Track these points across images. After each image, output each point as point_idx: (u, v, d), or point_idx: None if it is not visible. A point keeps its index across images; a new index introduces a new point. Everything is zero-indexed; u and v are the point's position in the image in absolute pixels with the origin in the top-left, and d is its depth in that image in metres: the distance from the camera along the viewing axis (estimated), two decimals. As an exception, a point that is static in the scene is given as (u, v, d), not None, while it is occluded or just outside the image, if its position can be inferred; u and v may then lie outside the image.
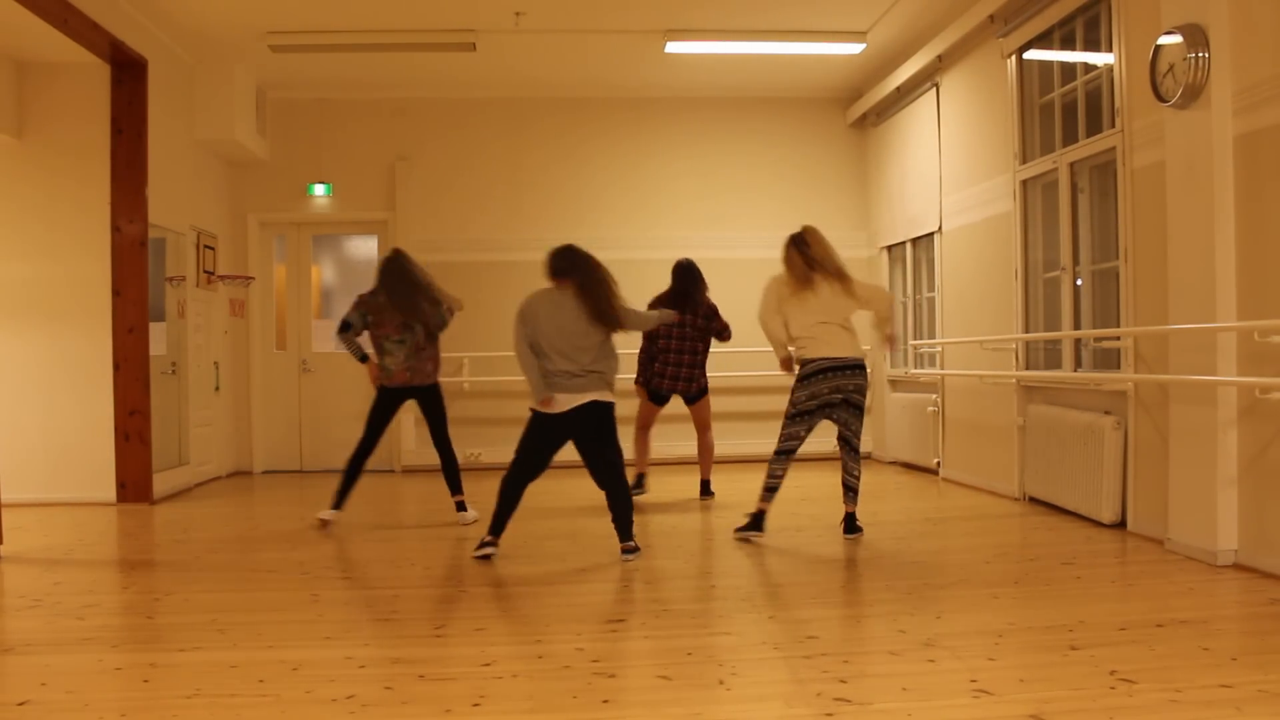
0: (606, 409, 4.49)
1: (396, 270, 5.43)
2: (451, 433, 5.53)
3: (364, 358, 5.48)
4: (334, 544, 5.06)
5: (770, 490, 4.90)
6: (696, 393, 6.26)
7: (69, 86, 6.56)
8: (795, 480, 6.41)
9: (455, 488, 5.60)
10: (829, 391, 4.77)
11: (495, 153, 8.59)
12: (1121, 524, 4.99)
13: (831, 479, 7.14)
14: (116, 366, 6.51)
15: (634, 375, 6.29)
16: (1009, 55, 6.07)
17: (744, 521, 4.97)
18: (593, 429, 4.47)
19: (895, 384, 8.26)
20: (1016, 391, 6.07)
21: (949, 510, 5.87)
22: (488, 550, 4.48)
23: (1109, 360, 5.26)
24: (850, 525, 4.97)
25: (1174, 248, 4.40)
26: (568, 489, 6.85)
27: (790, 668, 2.92)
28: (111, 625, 3.57)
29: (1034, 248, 6.00)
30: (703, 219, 8.68)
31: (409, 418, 7.89)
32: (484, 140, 8.60)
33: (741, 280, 8.51)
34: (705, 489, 6.48)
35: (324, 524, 5.40)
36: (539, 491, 4.72)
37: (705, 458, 6.47)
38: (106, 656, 3.13)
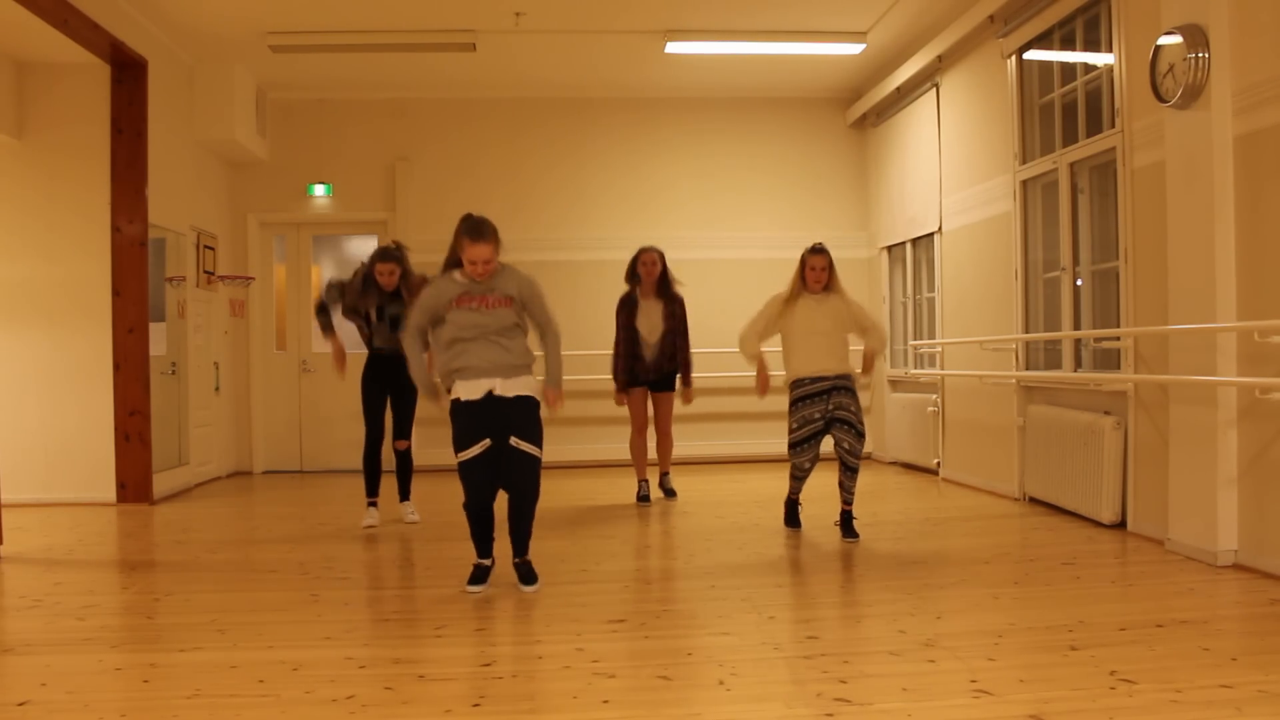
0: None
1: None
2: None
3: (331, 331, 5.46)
4: (334, 544, 5.06)
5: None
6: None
7: (69, 86, 6.56)
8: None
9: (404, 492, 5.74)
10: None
11: (495, 153, 8.59)
12: (1121, 524, 4.99)
13: (831, 480, 7.14)
14: (116, 366, 6.51)
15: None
16: (1009, 55, 6.07)
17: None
18: None
19: (895, 384, 8.26)
20: (1016, 392, 6.07)
21: (949, 510, 5.86)
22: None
23: (1109, 360, 5.26)
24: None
25: (1174, 248, 4.40)
26: (567, 489, 6.86)
27: (790, 668, 2.92)
28: (111, 625, 3.57)
29: (1034, 248, 6.00)
30: (702, 219, 8.68)
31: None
32: (484, 140, 8.59)
33: (741, 280, 8.54)
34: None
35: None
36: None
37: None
38: (106, 657, 3.13)
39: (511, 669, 2.97)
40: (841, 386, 4.88)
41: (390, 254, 5.37)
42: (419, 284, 5.32)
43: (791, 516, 5.27)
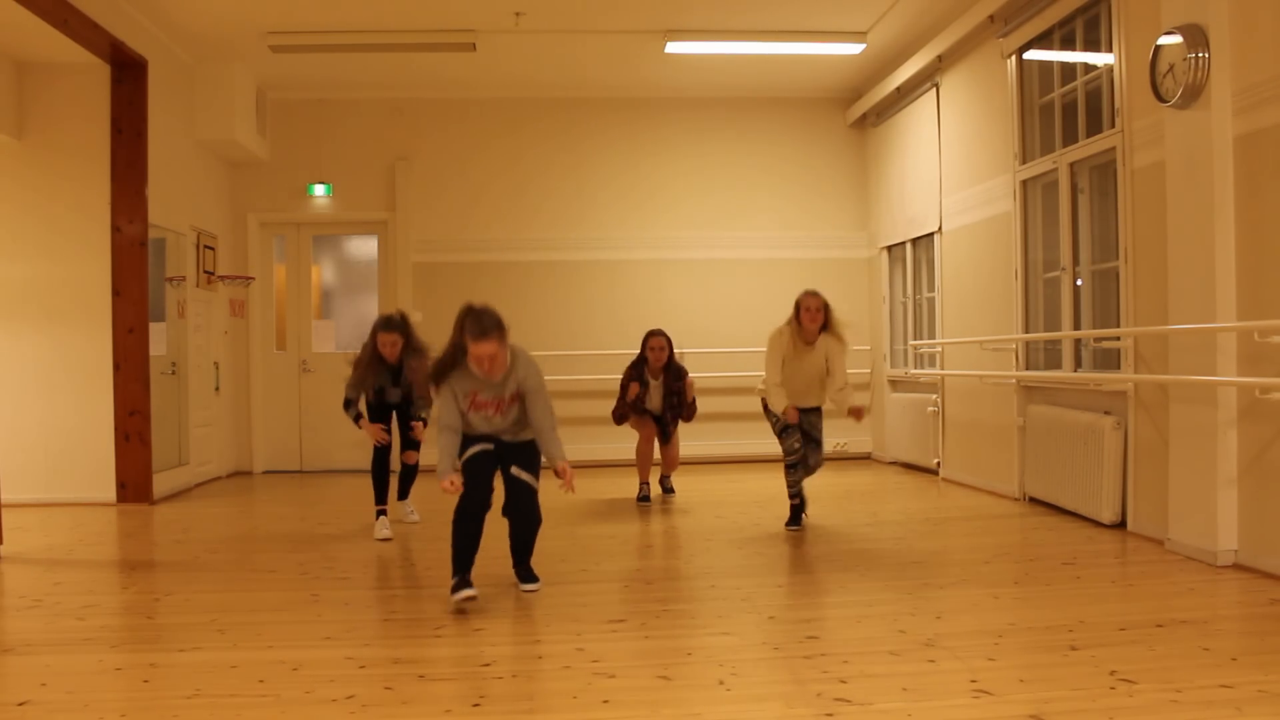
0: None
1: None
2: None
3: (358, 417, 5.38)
4: (334, 544, 5.06)
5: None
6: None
7: (69, 86, 6.56)
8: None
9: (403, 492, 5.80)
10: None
11: (495, 153, 8.59)
12: (1121, 524, 4.99)
13: (831, 480, 7.14)
14: (116, 366, 6.51)
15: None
16: (1009, 55, 6.07)
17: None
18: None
19: (895, 384, 8.25)
20: (1016, 392, 6.07)
21: (949, 510, 5.86)
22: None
23: (1109, 360, 5.26)
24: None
25: (1174, 248, 4.40)
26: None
27: (790, 668, 2.92)
28: (111, 625, 3.57)
29: (1034, 248, 6.00)
30: (702, 219, 8.67)
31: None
32: (484, 140, 8.59)
33: (740, 280, 8.55)
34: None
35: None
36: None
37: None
38: (106, 656, 3.13)
39: (511, 669, 2.97)
40: (813, 409, 5.27)
41: (393, 324, 5.27)
42: (423, 369, 5.25)
43: (794, 517, 5.27)
